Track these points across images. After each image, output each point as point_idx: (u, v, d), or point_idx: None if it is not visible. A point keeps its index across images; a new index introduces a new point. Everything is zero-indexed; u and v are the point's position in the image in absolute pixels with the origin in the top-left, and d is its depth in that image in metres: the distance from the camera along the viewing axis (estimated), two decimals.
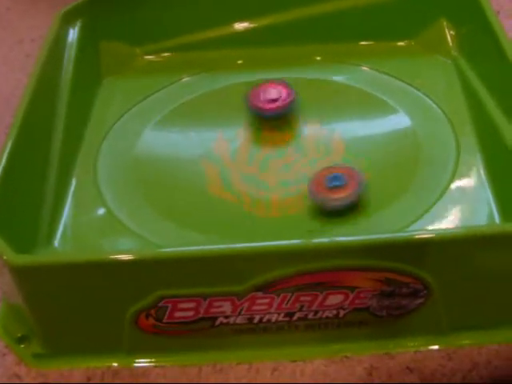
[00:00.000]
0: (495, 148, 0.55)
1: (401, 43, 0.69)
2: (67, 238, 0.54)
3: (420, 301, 0.46)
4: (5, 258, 0.44)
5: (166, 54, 0.70)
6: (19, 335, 0.49)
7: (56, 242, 0.53)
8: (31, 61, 0.60)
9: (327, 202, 0.53)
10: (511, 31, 0.59)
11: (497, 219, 0.52)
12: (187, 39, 0.69)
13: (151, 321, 0.46)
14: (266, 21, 0.68)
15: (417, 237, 0.45)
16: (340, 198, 0.53)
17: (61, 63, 0.62)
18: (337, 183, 0.53)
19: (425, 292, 0.45)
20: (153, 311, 0.45)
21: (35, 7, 0.83)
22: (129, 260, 0.44)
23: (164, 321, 0.46)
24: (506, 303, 0.47)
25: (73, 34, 0.65)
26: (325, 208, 0.53)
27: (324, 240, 0.45)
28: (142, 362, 0.48)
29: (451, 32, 0.67)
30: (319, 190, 0.53)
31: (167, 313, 0.46)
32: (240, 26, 0.69)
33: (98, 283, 0.45)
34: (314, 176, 0.54)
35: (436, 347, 0.48)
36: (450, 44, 0.66)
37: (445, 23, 0.67)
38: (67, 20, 0.65)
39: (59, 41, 0.63)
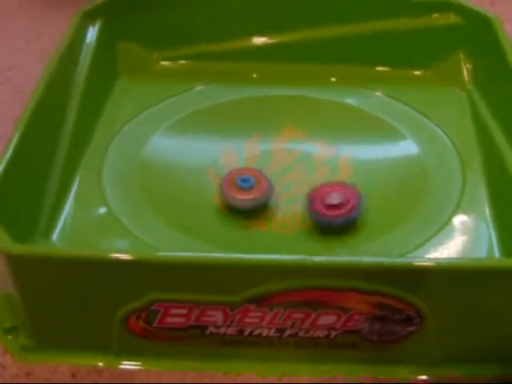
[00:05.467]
0: (501, 184, 0.55)
1: (417, 72, 0.69)
2: (66, 233, 0.54)
3: (412, 328, 0.45)
4: (2, 245, 0.44)
5: (182, 62, 0.70)
6: (8, 326, 0.49)
7: (54, 236, 0.53)
8: (48, 55, 0.60)
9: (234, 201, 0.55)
10: None
11: (497, 254, 0.52)
12: (205, 48, 0.70)
13: (141, 323, 0.46)
14: (284, 37, 0.69)
15: (415, 264, 0.44)
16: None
17: (77, 60, 0.63)
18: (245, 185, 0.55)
19: (418, 320, 0.45)
20: (144, 314, 0.45)
21: (57, 2, 0.84)
22: (125, 260, 0.44)
23: (154, 325, 0.46)
24: (497, 339, 0.47)
25: (91, 33, 0.65)
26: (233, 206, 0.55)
27: (322, 258, 0.44)
28: (128, 364, 0.48)
29: (468, 65, 0.67)
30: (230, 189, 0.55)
31: (158, 317, 0.45)
32: (258, 40, 0.69)
33: (91, 280, 0.44)
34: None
35: (424, 377, 0.47)
36: (466, 77, 0.67)
37: (462, 56, 0.67)
38: (87, 18, 0.65)
39: (77, 38, 0.63)
